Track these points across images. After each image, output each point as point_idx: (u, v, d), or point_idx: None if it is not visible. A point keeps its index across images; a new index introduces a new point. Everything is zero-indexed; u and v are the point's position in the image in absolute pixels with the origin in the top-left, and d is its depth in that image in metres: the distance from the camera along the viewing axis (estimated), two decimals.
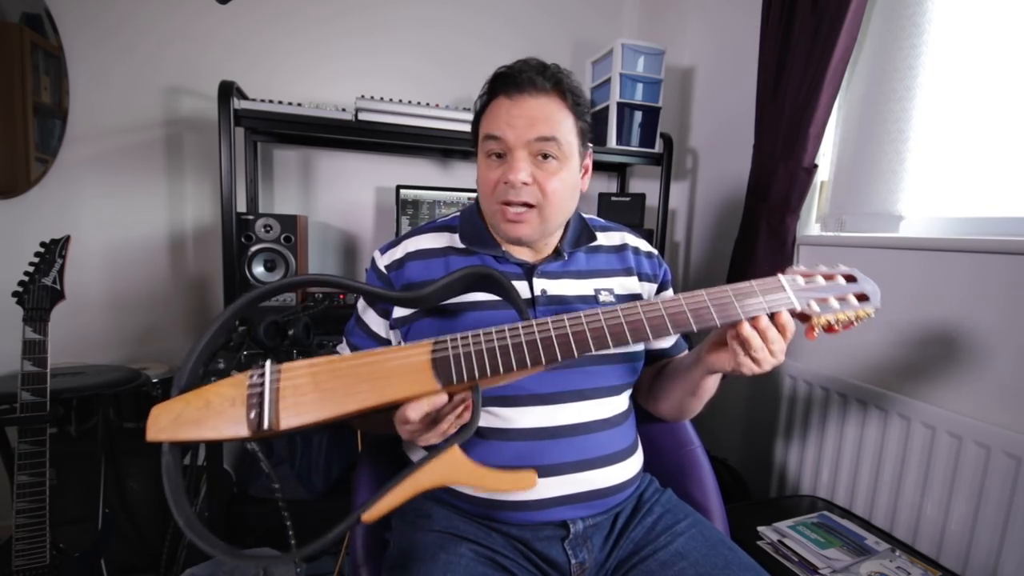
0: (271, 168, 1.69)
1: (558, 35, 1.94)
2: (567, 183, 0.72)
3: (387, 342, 0.77)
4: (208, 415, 0.49)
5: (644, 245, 0.86)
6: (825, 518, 1.12)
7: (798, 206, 1.32)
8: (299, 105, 1.39)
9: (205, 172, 1.59)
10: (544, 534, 0.69)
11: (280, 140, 1.67)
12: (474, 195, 1.67)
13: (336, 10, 1.67)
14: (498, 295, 0.67)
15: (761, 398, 1.50)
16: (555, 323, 0.56)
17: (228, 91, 1.30)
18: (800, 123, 1.25)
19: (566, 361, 0.70)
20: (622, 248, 0.84)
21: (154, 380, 1.37)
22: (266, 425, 0.48)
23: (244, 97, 1.40)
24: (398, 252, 0.78)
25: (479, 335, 0.55)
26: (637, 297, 0.80)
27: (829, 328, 0.63)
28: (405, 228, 1.61)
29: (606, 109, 1.67)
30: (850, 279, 0.66)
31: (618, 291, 0.79)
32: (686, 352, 0.84)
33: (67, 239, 1.07)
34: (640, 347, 0.79)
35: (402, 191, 1.61)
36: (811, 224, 1.42)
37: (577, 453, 0.70)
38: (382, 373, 0.53)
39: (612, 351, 0.73)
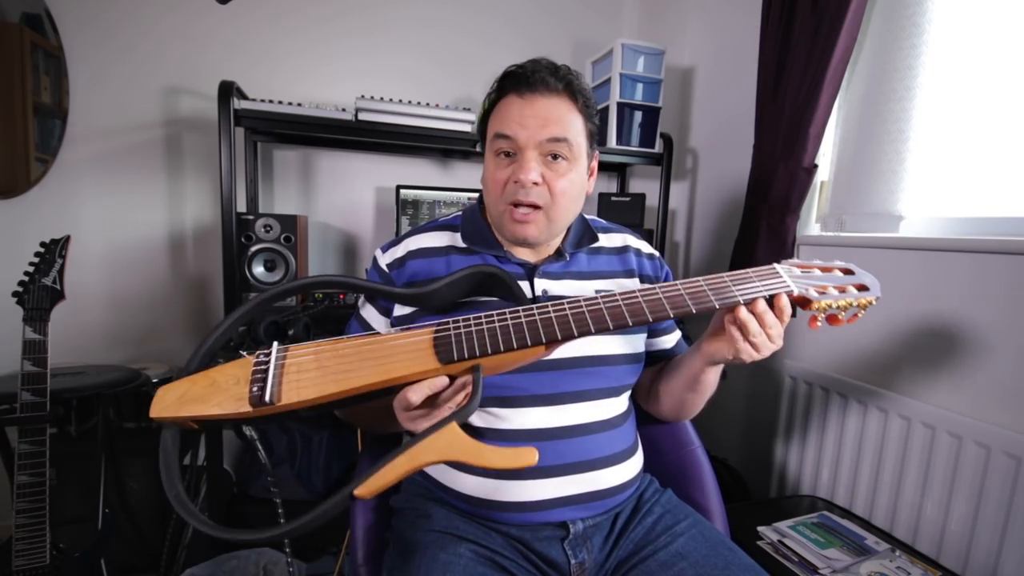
0: (271, 168, 1.69)
1: (558, 35, 1.94)
2: (575, 184, 0.72)
3: None
4: (213, 392, 0.50)
5: (646, 247, 0.86)
6: (825, 518, 1.12)
7: (798, 206, 1.32)
8: (299, 105, 1.39)
9: (205, 172, 1.59)
10: (544, 534, 0.69)
11: (280, 140, 1.67)
12: (474, 195, 1.69)
13: (336, 10, 1.67)
14: (501, 295, 0.67)
15: (761, 398, 1.50)
16: (555, 306, 0.58)
17: (228, 91, 1.30)
18: (800, 123, 1.25)
19: (566, 362, 0.71)
20: (624, 250, 0.84)
21: (154, 380, 1.37)
22: (268, 398, 0.49)
23: (244, 97, 1.40)
24: (399, 250, 0.78)
25: (480, 317, 0.57)
26: None
27: (833, 320, 0.63)
28: (405, 228, 1.61)
29: (606, 109, 1.67)
30: (847, 272, 0.66)
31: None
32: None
33: (67, 239, 1.07)
34: (641, 345, 0.79)
35: (402, 191, 1.61)
36: (811, 224, 1.42)
37: (577, 454, 0.70)
38: (384, 352, 0.54)
39: (612, 352, 0.74)
